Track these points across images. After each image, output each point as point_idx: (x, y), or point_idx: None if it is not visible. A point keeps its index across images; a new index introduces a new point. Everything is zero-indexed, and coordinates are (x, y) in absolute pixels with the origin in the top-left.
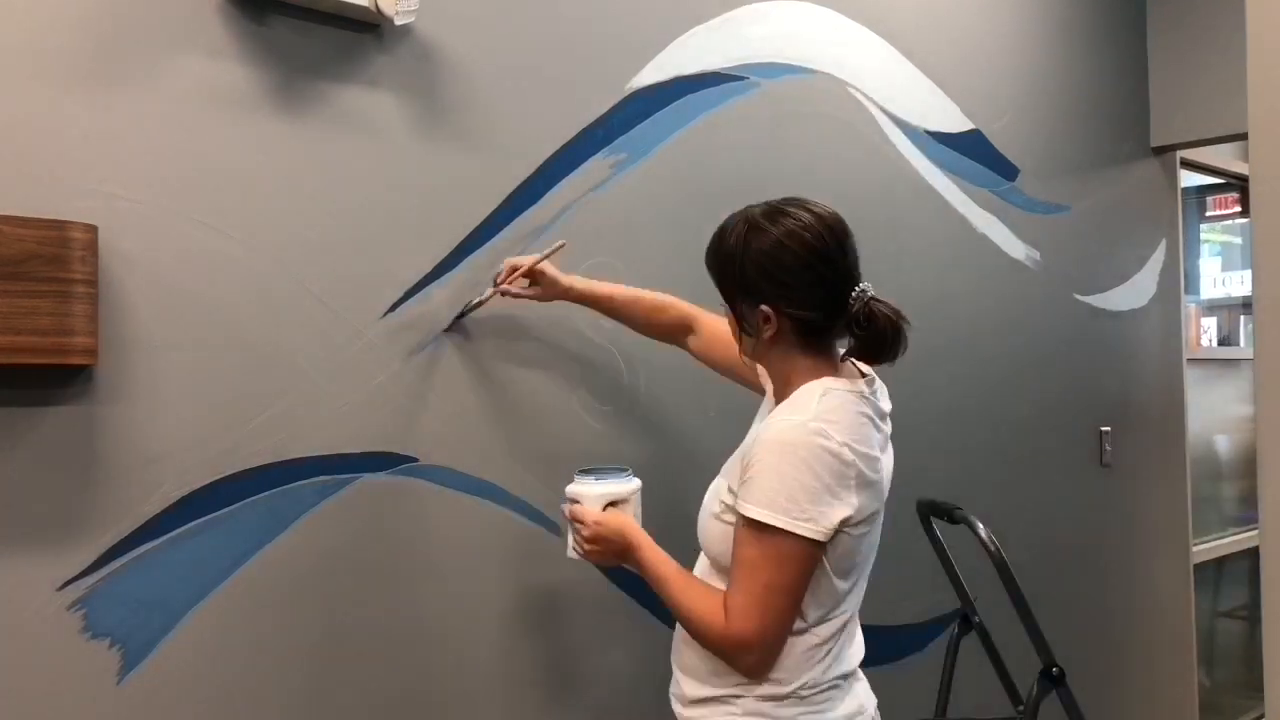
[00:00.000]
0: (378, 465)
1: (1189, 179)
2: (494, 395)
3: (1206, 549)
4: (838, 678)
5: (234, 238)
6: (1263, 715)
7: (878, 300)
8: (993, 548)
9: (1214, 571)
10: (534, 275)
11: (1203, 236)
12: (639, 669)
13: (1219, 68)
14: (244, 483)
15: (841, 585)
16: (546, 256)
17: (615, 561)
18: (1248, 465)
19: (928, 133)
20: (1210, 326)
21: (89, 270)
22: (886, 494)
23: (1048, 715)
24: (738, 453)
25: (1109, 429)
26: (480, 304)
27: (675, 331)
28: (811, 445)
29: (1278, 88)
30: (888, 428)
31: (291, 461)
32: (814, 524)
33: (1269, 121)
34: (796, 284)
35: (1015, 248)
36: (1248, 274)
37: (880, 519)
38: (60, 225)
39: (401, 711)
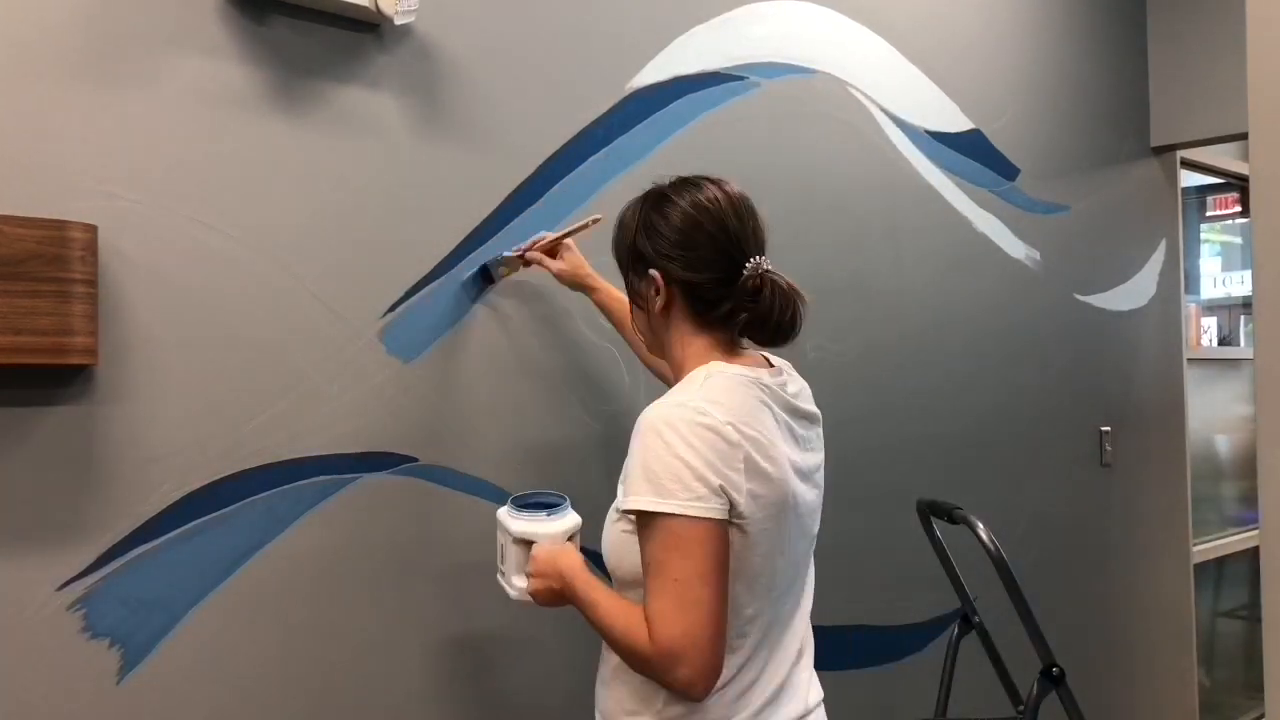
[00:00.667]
0: (378, 465)
1: (1189, 179)
2: (494, 395)
3: (1206, 549)
4: None
5: (234, 238)
6: (1263, 715)
7: (773, 273)
8: (993, 548)
9: (1214, 571)
10: (559, 248)
11: (1203, 236)
12: None
13: (1219, 68)
14: (244, 483)
15: (739, 594)
16: (577, 230)
17: (561, 603)
18: (1248, 465)
19: (928, 132)
20: (1210, 326)
21: (89, 270)
22: (803, 500)
23: (1048, 715)
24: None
25: (1109, 429)
26: (502, 262)
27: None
28: (689, 422)
29: (1278, 88)
30: (808, 430)
31: (291, 461)
32: (704, 502)
33: (1269, 121)
34: (685, 245)
35: (1015, 248)
36: (1248, 274)
37: (793, 531)
38: (60, 225)
39: (400, 711)
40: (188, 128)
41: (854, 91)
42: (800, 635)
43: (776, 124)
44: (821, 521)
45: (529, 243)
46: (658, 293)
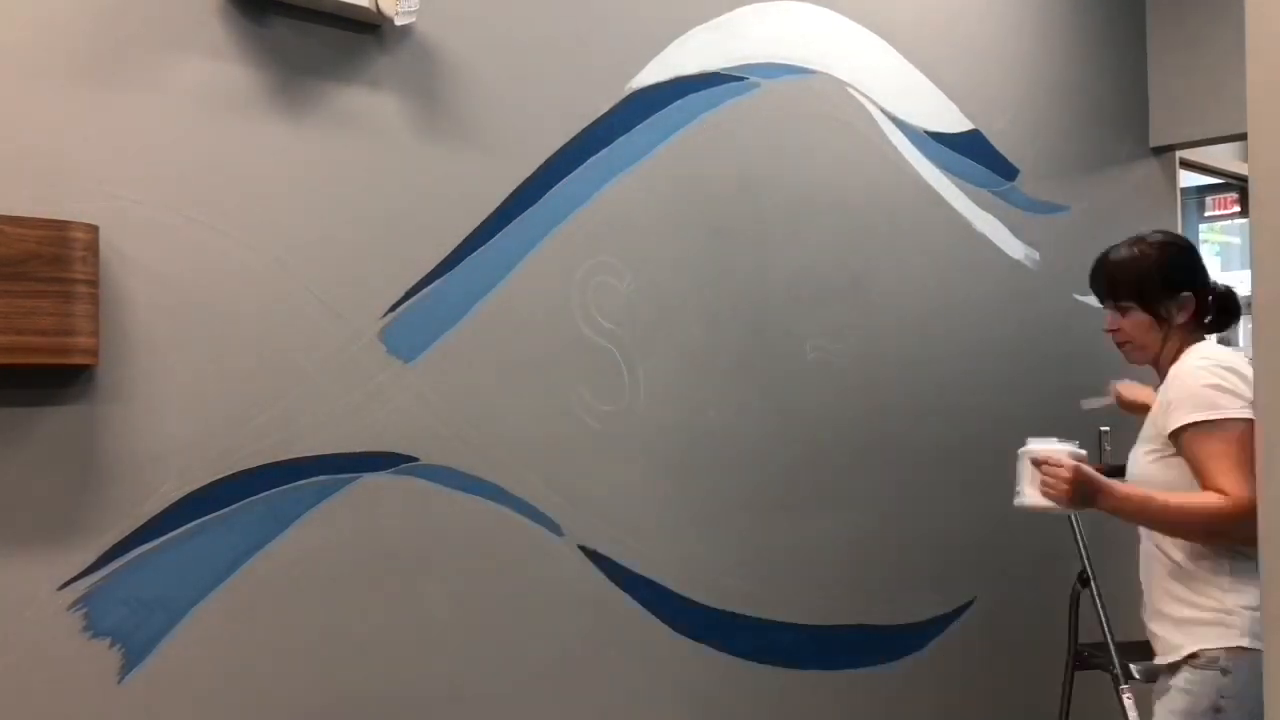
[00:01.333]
0: (378, 465)
1: (1188, 179)
2: (494, 395)
3: None
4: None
5: (234, 238)
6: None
7: (1219, 284)
8: None
9: None
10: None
11: (1202, 236)
12: (637, 667)
13: (1219, 68)
14: (244, 483)
15: None
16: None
17: (1081, 505)
18: None
19: (928, 133)
20: None
21: (90, 270)
22: None
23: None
24: (1148, 421)
25: (1109, 429)
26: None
27: None
28: (1220, 366)
29: (1278, 88)
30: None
31: (291, 461)
32: (1247, 410)
33: (1269, 121)
34: (1201, 272)
35: (1015, 248)
36: (1247, 274)
37: None
38: (61, 225)
39: (401, 711)
40: (189, 128)
41: (854, 92)
42: None
43: (776, 124)
44: (819, 520)
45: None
46: (1184, 308)
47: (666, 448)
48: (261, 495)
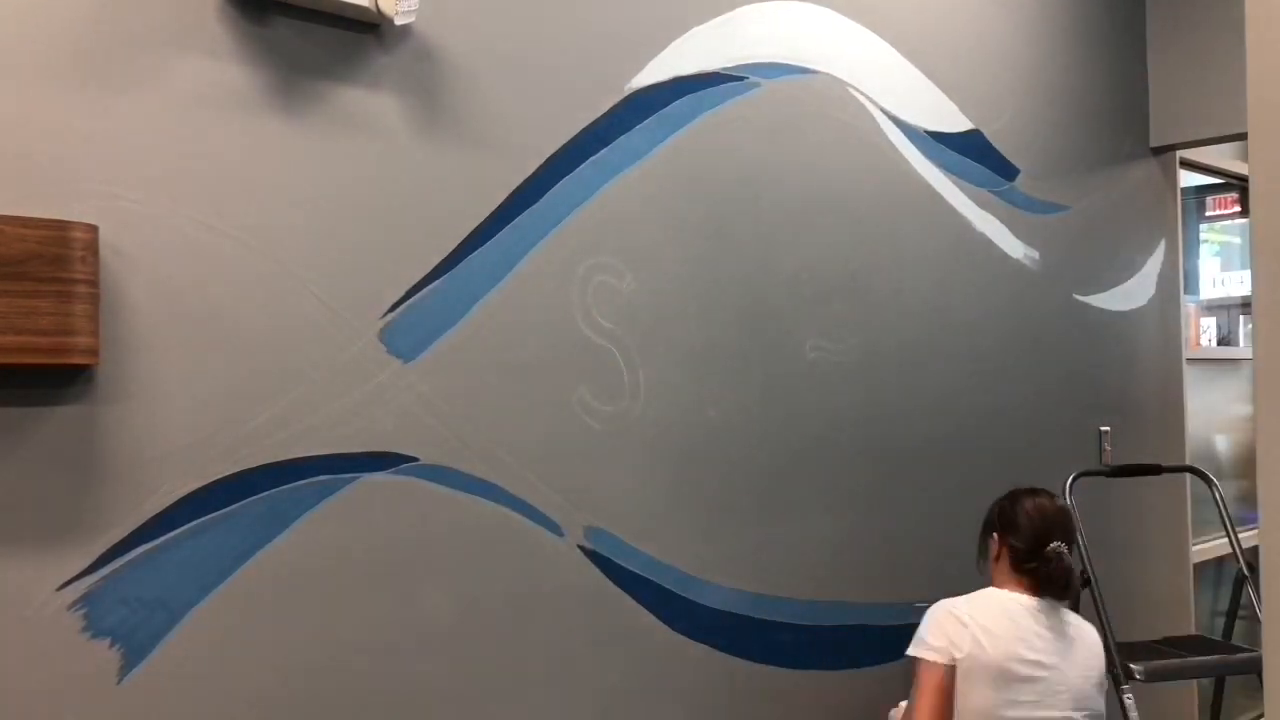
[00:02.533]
0: (378, 465)
1: (1188, 179)
2: (494, 395)
3: (1206, 549)
4: None
5: (234, 238)
6: (1262, 715)
7: (1065, 556)
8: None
9: (1214, 571)
10: None
11: (1202, 236)
12: (638, 668)
13: (1219, 68)
14: (244, 483)
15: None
16: None
17: None
18: (1247, 465)
19: (928, 133)
20: (1209, 326)
21: (90, 270)
22: (1028, 680)
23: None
24: None
25: (1109, 429)
26: None
27: None
28: (945, 610)
29: (1277, 88)
30: (1057, 643)
31: (291, 461)
32: (931, 654)
33: (1269, 121)
34: (1020, 526)
35: (1015, 248)
36: (1247, 274)
37: (1021, 696)
38: (61, 225)
39: (401, 711)
40: (188, 128)
41: (854, 92)
42: None
43: (776, 124)
44: (819, 521)
45: None
46: (996, 546)
47: (667, 448)
48: (262, 495)
